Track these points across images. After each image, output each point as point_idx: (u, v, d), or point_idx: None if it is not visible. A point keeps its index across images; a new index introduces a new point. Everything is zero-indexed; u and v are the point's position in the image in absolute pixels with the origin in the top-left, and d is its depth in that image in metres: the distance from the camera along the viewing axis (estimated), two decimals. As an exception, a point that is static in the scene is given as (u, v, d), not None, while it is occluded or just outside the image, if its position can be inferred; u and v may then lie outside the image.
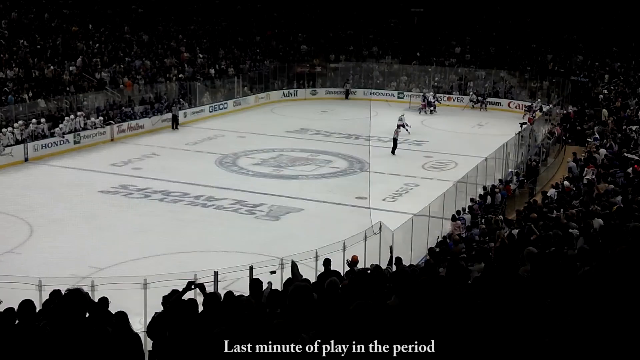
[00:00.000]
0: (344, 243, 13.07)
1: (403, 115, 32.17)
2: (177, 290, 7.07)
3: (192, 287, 6.18)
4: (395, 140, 28.06)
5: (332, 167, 26.16)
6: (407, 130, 30.99)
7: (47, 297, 7.68)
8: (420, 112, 37.83)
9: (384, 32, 48.37)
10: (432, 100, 38.76)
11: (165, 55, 38.34)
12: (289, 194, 22.04)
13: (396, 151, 27.90)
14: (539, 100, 36.90)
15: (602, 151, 18.58)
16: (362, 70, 45.09)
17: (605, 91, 30.64)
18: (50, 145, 26.60)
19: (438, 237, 16.00)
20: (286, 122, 35.01)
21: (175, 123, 32.74)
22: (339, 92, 43.69)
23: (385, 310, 4.25)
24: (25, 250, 16.59)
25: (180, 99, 35.13)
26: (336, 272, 10.56)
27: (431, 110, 38.41)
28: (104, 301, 7.28)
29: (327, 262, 11.02)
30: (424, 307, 4.12)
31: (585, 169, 17.73)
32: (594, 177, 15.93)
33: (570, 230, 10.16)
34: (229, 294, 6.81)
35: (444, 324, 3.97)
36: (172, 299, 6.20)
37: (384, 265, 12.07)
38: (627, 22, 41.14)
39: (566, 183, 16.77)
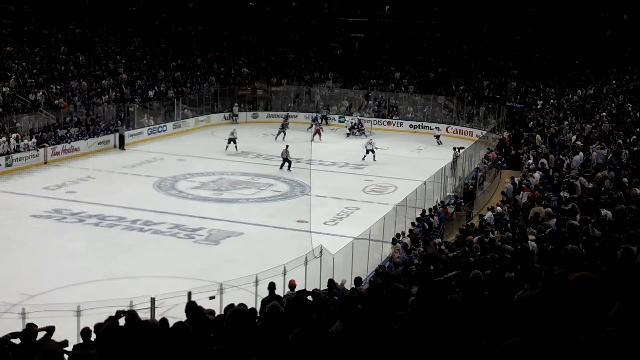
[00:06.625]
0: (284, 267, 13.02)
1: (235, 130, 34.07)
2: (112, 317, 6.83)
3: (122, 315, 5.95)
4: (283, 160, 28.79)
5: (273, 190, 26.05)
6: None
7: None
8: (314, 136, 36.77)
9: (326, 56, 48.91)
10: (355, 124, 39.57)
11: (103, 77, 37.58)
12: (229, 217, 21.80)
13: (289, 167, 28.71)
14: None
15: (537, 175, 19.06)
16: (304, 94, 45.33)
17: (539, 117, 31.70)
18: (-21, 167, 25.59)
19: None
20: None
21: (121, 143, 32.39)
22: (280, 116, 43.53)
23: (326, 337, 4.20)
24: (-50, 278, 15.79)
25: (118, 121, 34.43)
26: (278, 297, 10.49)
27: (360, 132, 38.85)
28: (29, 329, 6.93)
29: (271, 286, 10.93)
30: (368, 333, 4.08)
31: (521, 192, 18.17)
32: (528, 201, 16.34)
33: (506, 254, 10.40)
34: (164, 320, 6.61)
35: (387, 349, 3.94)
36: (103, 328, 5.96)
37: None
38: (561, 50, 42.98)
39: (499, 208, 17.16)
